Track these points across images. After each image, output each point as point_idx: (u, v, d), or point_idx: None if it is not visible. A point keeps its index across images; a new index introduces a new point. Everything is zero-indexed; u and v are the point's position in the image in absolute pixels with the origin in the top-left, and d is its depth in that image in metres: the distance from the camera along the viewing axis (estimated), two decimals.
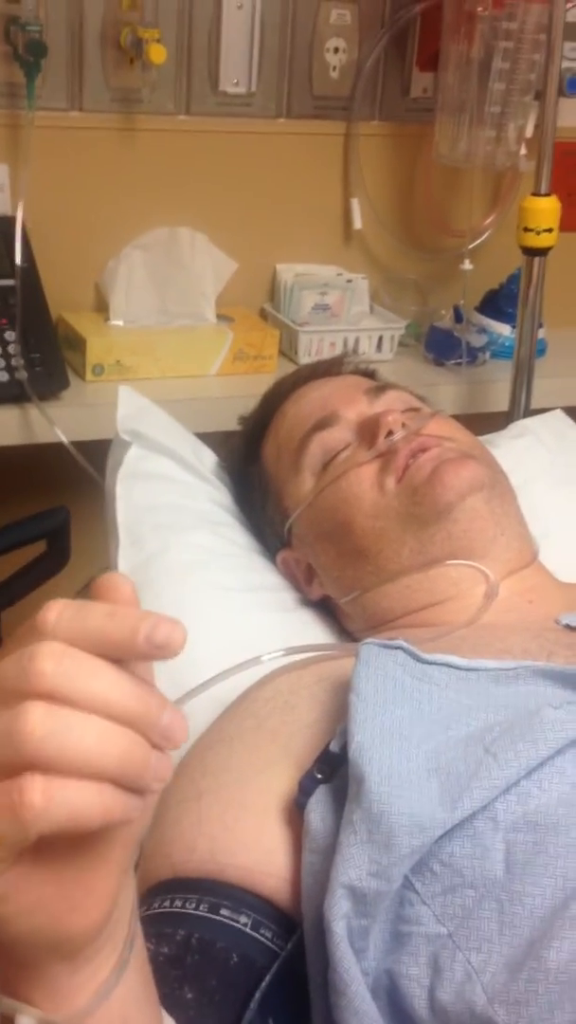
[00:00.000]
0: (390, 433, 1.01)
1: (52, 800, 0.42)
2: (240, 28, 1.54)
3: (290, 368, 1.39)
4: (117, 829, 0.46)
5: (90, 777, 0.43)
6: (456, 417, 1.11)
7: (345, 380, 1.15)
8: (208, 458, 1.28)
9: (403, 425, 1.02)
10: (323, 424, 1.06)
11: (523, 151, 1.61)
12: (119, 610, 0.45)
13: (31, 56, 1.39)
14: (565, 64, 1.55)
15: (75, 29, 1.46)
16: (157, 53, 1.43)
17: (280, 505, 1.10)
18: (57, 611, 0.45)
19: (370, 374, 1.20)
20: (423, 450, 0.99)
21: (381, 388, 1.11)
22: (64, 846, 0.45)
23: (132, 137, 1.54)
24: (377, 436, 1.01)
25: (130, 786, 0.44)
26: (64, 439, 1.38)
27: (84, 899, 0.48)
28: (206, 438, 1.32)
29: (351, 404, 1.07)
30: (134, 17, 1.45)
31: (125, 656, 0.45)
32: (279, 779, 0.79)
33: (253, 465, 1.16)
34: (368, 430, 1.03)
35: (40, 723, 0.42)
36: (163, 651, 0.44)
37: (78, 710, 0.43)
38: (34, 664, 0.43)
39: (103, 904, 0.48)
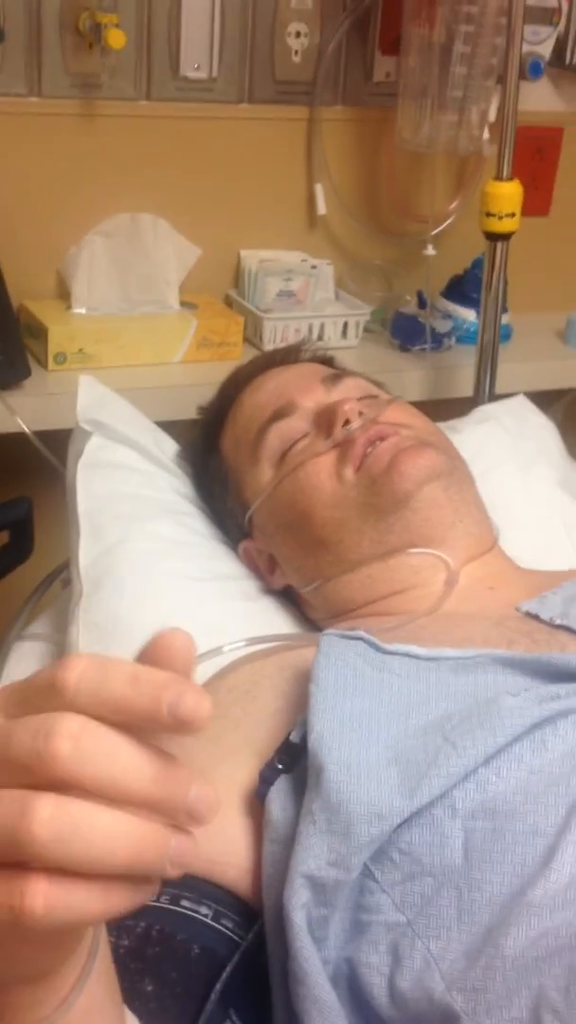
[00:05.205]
0: (347, 422, 1.01)
1: (53, 908, 0.41)
2: (200, 12, 1.52)
3: (255, 355, 1.38)
4: None
5: (98, 877, 0.42)
6: (422, 403, 1.11)
7: (302, 368, 1.15)
8: (169, 447, 1.27)
9: (360, 413, 1.01)
10: (280, 414, 1.06)
11: (487, 136, 1.61)
12: (143, 675, 0.42)
13: None
14: (526, 48, 1.55)
15: (33, 14, 1.44)
16: (116, 38, 1.41)
17: (240, 496, 1.10)
18: (78, 673, 0.42)
19: (328, 361, 1.20)
20: (380, 439, 0.99)
21: (338, 376, 1.11)
22: None
23: (92, 123, 1.52)
24: (334, 425, 1.01)
25: (142, 876, 0.43)
26: (26, 429, 1.37)
27: (62, 943, 0.47)
28: (171, 426, 1.31)
29: (308, 393, 1.07)
30: (92, 1, 1.43)
31: (149, 728, 0.43)
32: (241, 769, 0.79)
33: (212, 456, 1.16)
34: (325, 419, 1.03)
35: (47, 824, 0.40)
36: (187, 727, 0.42)
37: (91, 800, 0.41)
38: (50, 745, 0.41)
39: (78, 939, 0.48)
